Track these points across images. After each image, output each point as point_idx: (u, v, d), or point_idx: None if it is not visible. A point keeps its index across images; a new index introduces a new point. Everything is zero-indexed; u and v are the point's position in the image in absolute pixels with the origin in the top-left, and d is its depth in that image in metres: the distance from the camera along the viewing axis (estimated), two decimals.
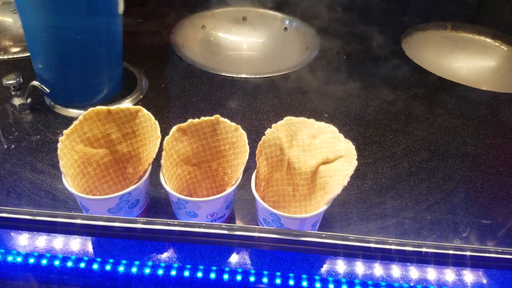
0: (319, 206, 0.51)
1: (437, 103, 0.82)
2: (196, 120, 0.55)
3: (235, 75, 0.87)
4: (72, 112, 0.74)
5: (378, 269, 0.53)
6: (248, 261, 0.53)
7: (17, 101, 0.73)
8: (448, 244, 0.55)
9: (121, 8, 0.68)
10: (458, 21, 1.14)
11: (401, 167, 0.66)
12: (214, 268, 0.52)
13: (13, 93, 0.72)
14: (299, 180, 0.56)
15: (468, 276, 0.53)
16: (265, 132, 0.54)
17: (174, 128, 0.54)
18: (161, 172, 0.51)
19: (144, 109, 0.55)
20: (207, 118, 0.55)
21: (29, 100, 0.74)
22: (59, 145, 0.50)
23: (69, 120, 0.73)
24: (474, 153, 0.70)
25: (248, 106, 0.79)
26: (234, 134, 0.55)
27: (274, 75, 0.88)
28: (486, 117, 0.80)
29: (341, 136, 0.54)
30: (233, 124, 0.55)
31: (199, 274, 0.51)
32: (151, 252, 0.53)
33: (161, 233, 0.46)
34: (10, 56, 0.89)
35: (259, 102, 0.80)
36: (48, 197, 0.59)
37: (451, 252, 0.53)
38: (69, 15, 0.64)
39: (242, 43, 1.12)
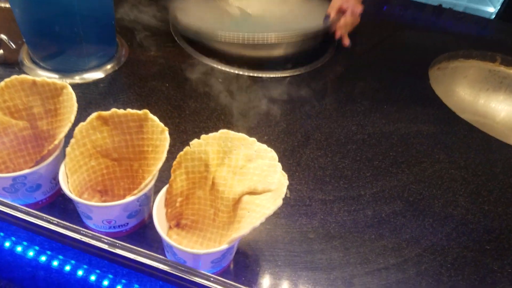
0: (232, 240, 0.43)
1: (441, 146, 0.69)
2: (122, 111, 0.48)
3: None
4: (40, 73, 0.70)
5: None
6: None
7: None
8: None
9: None
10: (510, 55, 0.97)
11: (363, 214, 0.56)
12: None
13: None
14: (220, 205, 0.48)
15: None
16: (190, 143, 0.47)
17: (94, 114, 0.47)
18: (63, 163, 0.46)
19: (69, 87, 0.49)
20: (134, 111, 0.48)
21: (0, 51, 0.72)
22: None
23: None
24: (461, 218, 0.58)
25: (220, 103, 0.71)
26: (159, 136, 0.48)
27: (259, 75, 0.79)
28: (497, 176, 0.66)
29: (278, 166, 0.46)
30: (161, 124, 0.48)
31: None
32: None
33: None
34: None
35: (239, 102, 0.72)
36: None
37: None
38: None
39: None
